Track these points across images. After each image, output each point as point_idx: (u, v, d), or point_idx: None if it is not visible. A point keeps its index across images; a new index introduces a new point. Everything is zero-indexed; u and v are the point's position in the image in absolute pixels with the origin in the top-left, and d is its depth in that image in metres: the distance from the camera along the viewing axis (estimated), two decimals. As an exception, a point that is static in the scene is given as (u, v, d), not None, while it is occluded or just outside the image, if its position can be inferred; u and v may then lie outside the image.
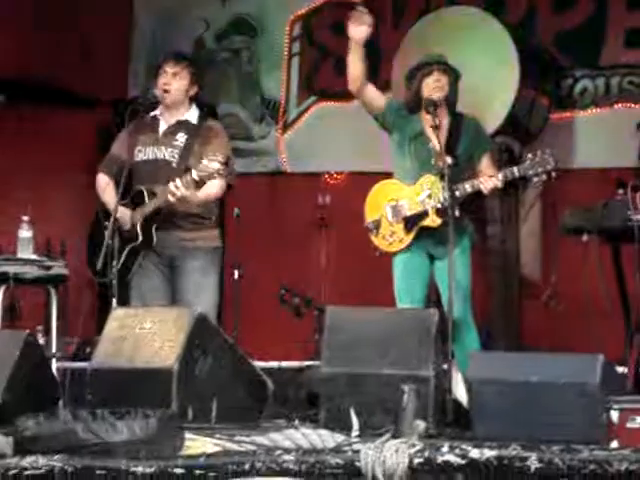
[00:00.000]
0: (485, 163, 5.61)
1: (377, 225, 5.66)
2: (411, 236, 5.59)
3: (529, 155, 5.35)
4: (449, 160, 5.46)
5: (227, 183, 5.71)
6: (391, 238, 5.63)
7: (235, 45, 8.95)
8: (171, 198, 5.51)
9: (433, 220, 5.51)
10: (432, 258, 5.60)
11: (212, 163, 5.37)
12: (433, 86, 5.54)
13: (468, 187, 5.43)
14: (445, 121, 5.63)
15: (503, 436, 4.11)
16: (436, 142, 5.50)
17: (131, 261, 5.66)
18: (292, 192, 8.65)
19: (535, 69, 7.67)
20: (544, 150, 5.32)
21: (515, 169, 5.37)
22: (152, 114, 5.84)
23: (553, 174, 5.29)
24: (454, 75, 5.61)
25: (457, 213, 5.43)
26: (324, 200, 8.43)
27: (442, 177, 5.41)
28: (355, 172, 8.36)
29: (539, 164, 5.28)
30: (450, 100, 5.61)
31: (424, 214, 5.54)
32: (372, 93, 5.71)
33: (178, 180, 5.48)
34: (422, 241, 5.54)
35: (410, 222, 5.59)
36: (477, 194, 5.58)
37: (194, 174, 5.43)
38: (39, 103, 8.13)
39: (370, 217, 5.71)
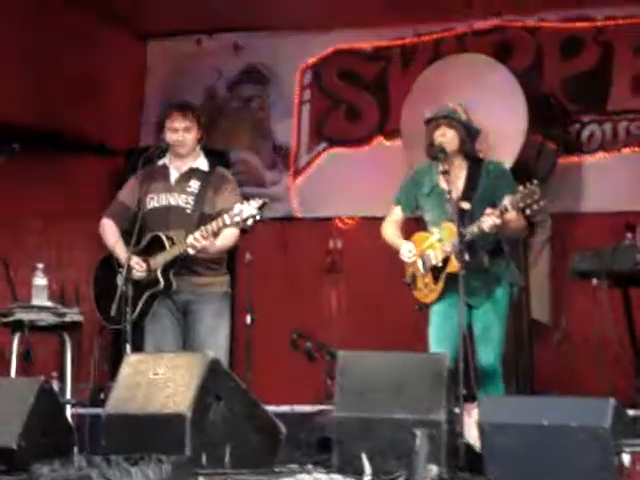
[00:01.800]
0: (511, 213, 5.60)
1: (413, 279, 5.73)
2: (440, 285, 5.63)
3: (519, 188, 5.41)
4: (465, 206, 5.53)
5: (241, 229, 5.76)
6: (426, 289, 5.70)
7: (247, 93, 9.03)
8: (191, 251, 5.57)
9: (453, 266, 5.54)
10: (470, 307, 5.62)
11: (248, 208, 5.40)
12: (440, 140, 5.64)
13: (475, 228, 5.48)
14: (462, 170, 5.70)
15: (515, 479, 4.12)
16: (447, 189, 5.56)
17: (147, 307, 5.71)
18: (303, 237, 8.69)
19: (543, 115, 7.72)
20: (531, 182, 5.38)
21: (506, 203, 5.41)
22: (161, 162, 5.91)
23: (541, 203, 5.33)
24: (465, 128, 5.68)
25: (485, 260, 5.55)
26: (335, 245, 8.47)
27: (459, 223, 5.46)
28: (366, 217, 8.41)
29: (528, 196, 5.33)
30: (465, 150, 5.69)
31: (447, 261, 5.59)
32: (394, 227, 5.86)
33: (197, 233, 5.54)
34: (456, 290, 5.52)
35: (436, 271, 5.65)
36: (498, 240, 5.62)
37: (227, 220, 5.48)
38: (52, 150, 8.19)
39: (408, 272, 5.78)
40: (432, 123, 5.72)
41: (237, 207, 5.45)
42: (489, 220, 5.43)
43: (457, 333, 5.34)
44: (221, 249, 5.73)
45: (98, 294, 5.86)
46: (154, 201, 5.83)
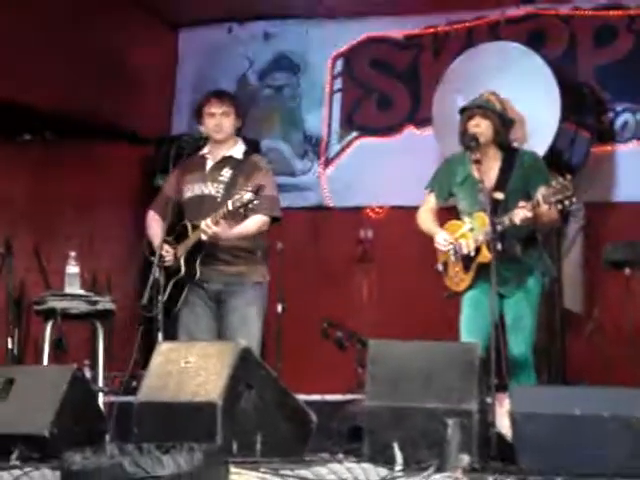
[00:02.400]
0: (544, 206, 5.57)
1: (445, 267, 5.73)
2: (470, 275, 5.63)
3: (553, 183, 5.37)
4: (499, 196, 5.52)
5: (272, 217, 5.77)
6: (456, 278, 5.70)
7: (278, 82, 9.03)
8: (203, 236, 5.59)
9: (484, 256, 5.53)
10: (501, 296, 5.60)
11: (245, 194, 5.44)
12: (474, 130, 5.62)
13: (507, 220, 5.46)
14: (497, 159, 5.68)
15: (547, 469, 4.10)
16: (480, 178, 5.54)
17: (177, 294, 5.72)
18: (334, 226, 8.68)
19: (576, 103, 7.68)
20: (565, 177, 5.34)
21: (539, 197, 5.38)
22: (200, 153, 5.93)
23: (574, 200, 5.29)
24: (500, 118, 5.66)
25: (518, 249, 5.52)
26: (366, 234, 8.46)
27: (491, 213, 5.44)
28: (397, 206, 8.39)
29: (560, 191, 5.30)
30: (499, 140, 5.67)
31: (479, 251, 5.57)
32: (430, 215, 5.85)
33: (209, 219, 5.56)
34: (487, 279, 5.50)
35: (467, 260, 5.64)
36: (533, 230, 5.60)
37: (229, 205, 5.51)
38: (84, 138, 8.23)
39: (440, 259, 5.78)
40: (466, 112, 5.69)
41: (240, 192, 5.47)
42: (520, 213, 5.41)
43: (488, 322, 5.31)
44: (239, 236, 5.71)
45: (141, 282, 5.88)
46: (189, 191, 5.86)
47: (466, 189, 5.73)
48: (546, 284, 5.77)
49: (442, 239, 5.70)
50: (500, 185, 5.61)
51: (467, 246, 5.62)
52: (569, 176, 5.35)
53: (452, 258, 5.70)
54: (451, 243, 5.68)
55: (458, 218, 5.77)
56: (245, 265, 5.79)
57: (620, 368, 6.76)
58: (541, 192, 5.39)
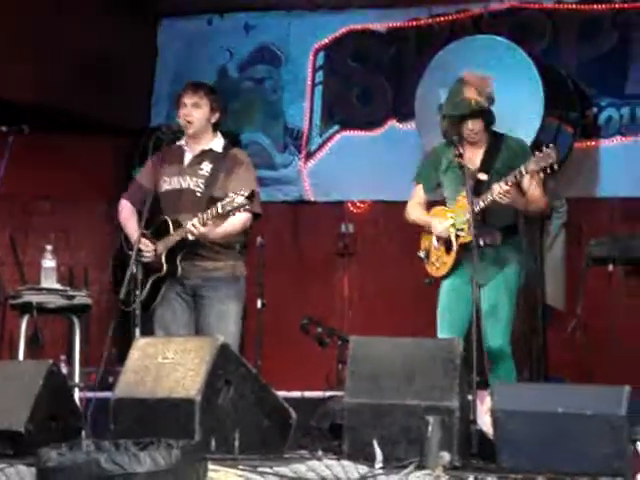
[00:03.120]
0: (528, 181, 5.58)
1: (427, 254, 5.73)
2: (452, 256, 5.64)
3: (535, 153, 5.39)
4: (482, 177, 5.54)
5: (253, 213, 5.71)
6: (437, 263, 5.72)
7: (259, 74, 8.98)
8: (190, 236, 5.53)
9: (465, 237, 5.54)
10: (479, 285, 5.57)
11: (238, 198, 5.37)
12: (467, 133, 5.66)
13: (488, 195, 5.45)
14: (483, 143, 5.68)
15: (528, 468, 4.07)
16: (469, 163, 5.54)
17: (155, 291, 5.66)
18: (315, 221, 8.65)
19: (560, 98, 7.66)
20: (547, 145, 5.35)
21: (522, 167, 5.40)
22: (178, 144, 5.85)
23: (555, 167, 5.31)
24: (488, 110, 5.66)
25: (497, 237, 5.55)
26: (347, 229, 8.43)
27: (474, 194, 5.44)
28: (378, 201, 8.36)
29: (542, 159, 5.32)
30: (487, 122, 5.67)
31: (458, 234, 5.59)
32: (419, 207, 5.82)
33: (195, 219, 5.49)
34: (466, 267, 5.53)
35: (449, 242, 5.63)
36: (515, 221, 5.61)
37: (219, 208, 5.43)
38: (61, 131, 8.16)
39: (422, 246, 5.79)
40: (456, 118, 5.66)
41: (230, 196, 5.41)
42: (497, 187, 5.41)
43: (466, 312, 5.41)
44: (225, 234, 5.66)
45: (116, 276, 5.80)
46: (167, 184, 5.78)
47: (450, 175, 5.75)
48: (523, 277, 5.75)
49: (439, 225, 5.67)
50: (484, 166, 5.65)
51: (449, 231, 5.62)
52: (551, 145, 5.36)
53: (435, 243, 5.70)
54: (447, 228, 5.67)
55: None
56: (223, 260, 5.73)
57: (602, 365, 6.75)
58: (524, 164, 5.40)
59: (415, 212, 5.87)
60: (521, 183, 5.51)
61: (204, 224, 5.50)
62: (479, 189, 5.51)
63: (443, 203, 5.82)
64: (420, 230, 5.86)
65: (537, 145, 7.27)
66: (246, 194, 5.38)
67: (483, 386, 5.05)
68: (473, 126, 5.66)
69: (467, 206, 5.39)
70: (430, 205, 5.90)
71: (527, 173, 5.40)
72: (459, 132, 5.65)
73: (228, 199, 5.41)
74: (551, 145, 5.38)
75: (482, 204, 5.47)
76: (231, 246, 5.76)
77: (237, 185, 5.58)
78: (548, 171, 5.35)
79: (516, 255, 5.67)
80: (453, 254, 5.64)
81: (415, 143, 7.74)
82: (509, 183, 5.42)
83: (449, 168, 5.75)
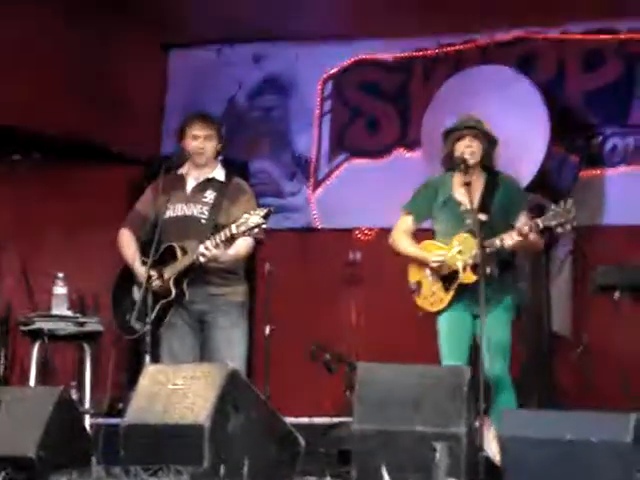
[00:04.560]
0: (522, 220, 5.62)
1: (419, 286, 5.72)
2: (450, 295, 5.62)
3: (552, 207, 5.38)
4: (482, 217, 5.52)
5: (256, 239, 5.74)
6: (432, 298, 5.68)
7: (267, 104, 9.03)
8: (202, 259, 5.55)
9: (468, 277, 5.53)
10: (475, 317, 5.60)
11: (253, 217, 5.40)
12: (463, 150, 5.62)
13: (497, 242, 5.46)
14: (480, 181, 5.68)
15: (536, 495, 4.08)
16: (467, 201, 5.54)
17: (161, 316, 5.70)
18: (323, 248, 8.67)
19: (565, 127, 7.69)
20: (566, 201, 5.35)
21: (539, 220, 5.40)
22: (178, 172, 5.90)
23: (575, 224, 5.30)
24: (487, 139, 5.67)
25: (495, 271, 5.51)
26: (355, 256, 8.44)
27: (474, 234, 5.44)
28: (386, 228, 8.36)
29: (561, 215, 5.31)
30: (486, 161, 5.68)
31: (459, 272, 5.57)
32: (408, 237, 5.82)
33: (208, 242, 5.53)
34: (464, 300, 5.55)
35: (448, 281, 5.63)
36: (513, 253, 5.60)
37: (233, 228, 5.47)
38: (73, 159, 8.20)
39: (413, 278, 5.76)
40: (455, 134, 5.68)
41: (244, 216, 5.44)
42: (509, 240, 5.42)
43: (467, 343, 5.43)
44: (233, 259, 5.69)
45: (116, 304, 5.84)
46: (170, 211, 5.81)
47: (448, 211, 5.72)
48: (518, 309, 5.78)
49: (438, 259, 5.66)
50: (484, 206, 5.60)
51: (448, 267, 5.61)
52: (570, 200, 5.36)
53: (429, 278, 5.69)
54: (444, 265, 5.66)
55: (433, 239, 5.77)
56: (229, 286, 5.77)
57: (609, 392, 6.75)
58: (545, 217, 5.38)
59: (405, 243, 5.83)
60: (532, 232, 5.47)
61: (216, 246, 5.54)
62: (480, 230, 5.48)
63: (428, 236, 5.80)
64: (408, 261, 5.84)
65: (542, 174, 7.35)
66: (262, 213, 5.42)
67: (489, 413, 5.07)
68: (471, 142, 5.62)
69: (474, 247, 5.41)
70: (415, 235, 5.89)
71: (544, 227, 5.38)
72: (452, 151, 5.64)
73: (242, 220, 5.44)
74: (570, 200, 5.35)
75: (489, 250, 5.46)
76: (235, 271, 5.80)
77: (243, 211, 5.62)
78: (567, 227, 5.32)
79: (511, 288, 5.67)
80: (452, 293, 5.64)
81: (422, 171, 7.77)
82: (522, 234, 5.42)
83: (447, 202, 5.74)
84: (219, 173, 5.88)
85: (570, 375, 7.51)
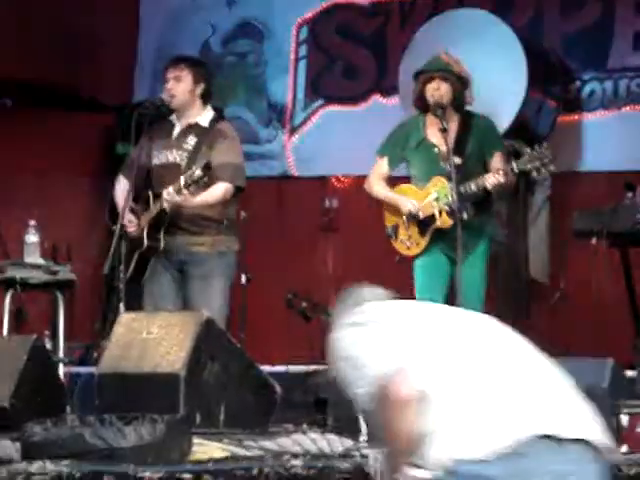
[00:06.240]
0: (496, 162, 5.60)
1: (395, 230, 5.70)
2: (426, 239, 5.62)
3: (527, 150, 5.38)
4: (457, 160, 5.50)
5: (236, 186, 5.70)
6: (408, 242, 5.68)
7: (241, 49, 8.93)
8: (165, 205, 5.53)
9: (444, 221, 5.53)
10: (452, 261, 5.59)
11: (196, 171, 5.38)
12: (432, 93, 5.57)
13: (473, 186, 5.45)
14: (454, 122, 5.64)
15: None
16: (442, 143, 5.50)
17: (143, 265, 5.66)
18: (299, 196, 8.63)
19: (543, 72, 7.65)
20: (542, 144, 5.34)
21: (514, 164, 5.39)
22: (169, 118, 5.86)
23: (551, 167, 5.29)
24: (459, 81, 5.63)
25: (470, 214, 5.48)
26: (331, 204, 8.41)
27: (450, 178, 5.42)
28: (362, 176, 8.32)
29: (537, 158, 5.30)
30: (457, 102, 5.63)
31: (435, 216, 5.56)
32: (383, 182, 5.72)
33: (170, 187, 5.49)
34: (440, 244, 5.56)
35: (423, 225, 5.62)
36: (487, 194, 5.59)
37: (182, 180, 5.44)
38: (44, 106, 8.11)
39: (389, 222, 5.75)
40: (424, 75, 5.64)
41: (192, 168, 5.41)
42: (492, 179, 5.40)
43: (443, 290, 5.48)
44: (203, 204, 5.63)
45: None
46: (157, 158, 5.79)
47: (421, 154, 5.69)
48: (492, 248, 5.78)
49: (411, 205, 5.63)
50: (458, 149, 5.58)
51: (423, 211, 5.58)
52: (546, 143, 5.36)
53: (406, 223, 5.67)
54: (420, 210, 5.64)
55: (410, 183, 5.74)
56: (209, 235, 5.72)
57: (585, 338, 6.77)
58: (521, 160, 5.37)
59: (379, 188, 5.81)
60: (509, 174, 5.45)
61: (179, 191, 5.49)
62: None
63: (406, 180, 5.78)
64: (384, 208, 5.82)
65: (520, 120, 7.31)
66: (201, 166, 5.36)
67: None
68: (439, 85, 5.57)
69: (447, 190, 5.39)
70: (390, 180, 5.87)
71: (519, 169, 5.36)
72: (422, 94, 5.60)
73: (189, 172, 5.42)
74: (545, 144, 5.35)
75: (468, 192, 5.44)
76: (218, 220, 5.74)
77: (218, 158, 5.58)
78: (543, 171, 5.31)
79: (486, 228, 5.70)
80: (427, 237, 5.62)
81: (399, 117, 7.71)
82: (503, 175, 5.38)
83: (420, 145, 5.69)
84: (204, 118, 5.81)
85: (547, 321, 7.52)
